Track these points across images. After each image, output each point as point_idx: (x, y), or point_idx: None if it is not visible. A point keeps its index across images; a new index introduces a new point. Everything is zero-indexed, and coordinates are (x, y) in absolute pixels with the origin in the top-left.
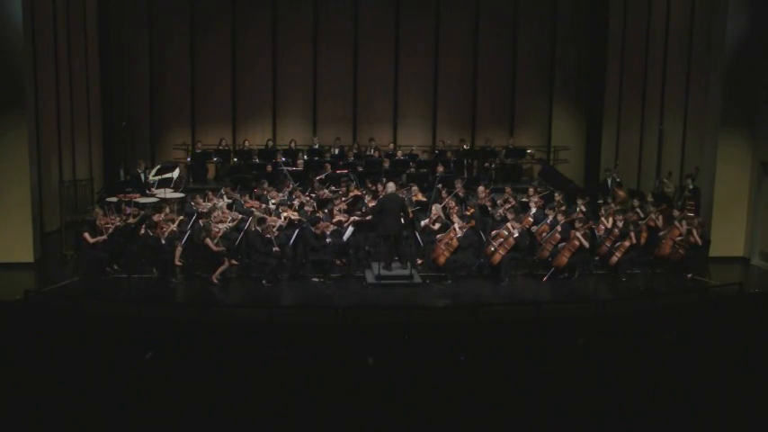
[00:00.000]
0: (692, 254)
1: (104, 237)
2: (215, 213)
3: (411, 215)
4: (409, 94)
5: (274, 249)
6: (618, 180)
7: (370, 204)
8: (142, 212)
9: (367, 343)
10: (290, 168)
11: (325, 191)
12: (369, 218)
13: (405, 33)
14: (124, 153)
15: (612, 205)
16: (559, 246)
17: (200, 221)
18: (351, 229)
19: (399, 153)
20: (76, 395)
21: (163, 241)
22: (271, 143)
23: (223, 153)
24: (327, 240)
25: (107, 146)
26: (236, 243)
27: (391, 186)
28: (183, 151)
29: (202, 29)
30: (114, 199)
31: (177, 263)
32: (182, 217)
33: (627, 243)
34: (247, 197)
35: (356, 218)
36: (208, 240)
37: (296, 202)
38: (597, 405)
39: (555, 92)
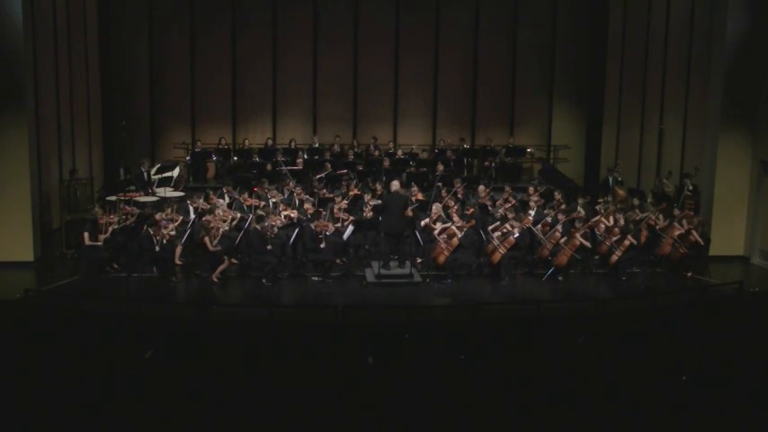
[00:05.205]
0: (692, 253)
1: (104, 236)
2: (217, 212)
3: (412, 213)
4: (409, 94)
5: (268, 248)
6: (619, 179)
7: (371, 203)
8: (141, 211)
9: (367, 342)
10: (289, 168)
11: (324, 191)
12: (371, 215)
13: (405, 33)
14: (124, 152)
15: (611, 204)
16: (560, 244)
17: (203, 219)
18: (351, 228)
19: (399, 152)
20: (76, 395)
21: (163, 241)
22: (270, 142)
23: (223, 152)
24: (322, 240)
25: (107, 145)
26: (237, 242)
27: (396, 185)
28: (183, 150)
29: (202, 28)
30: (114, 198)
31: (177, 262)
32: (182, 217)
33: (627, 242)
34: (246, 196)
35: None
36: (206, 240)
37: (296, 201)
38: (597, 404)
39: (555, 92)
